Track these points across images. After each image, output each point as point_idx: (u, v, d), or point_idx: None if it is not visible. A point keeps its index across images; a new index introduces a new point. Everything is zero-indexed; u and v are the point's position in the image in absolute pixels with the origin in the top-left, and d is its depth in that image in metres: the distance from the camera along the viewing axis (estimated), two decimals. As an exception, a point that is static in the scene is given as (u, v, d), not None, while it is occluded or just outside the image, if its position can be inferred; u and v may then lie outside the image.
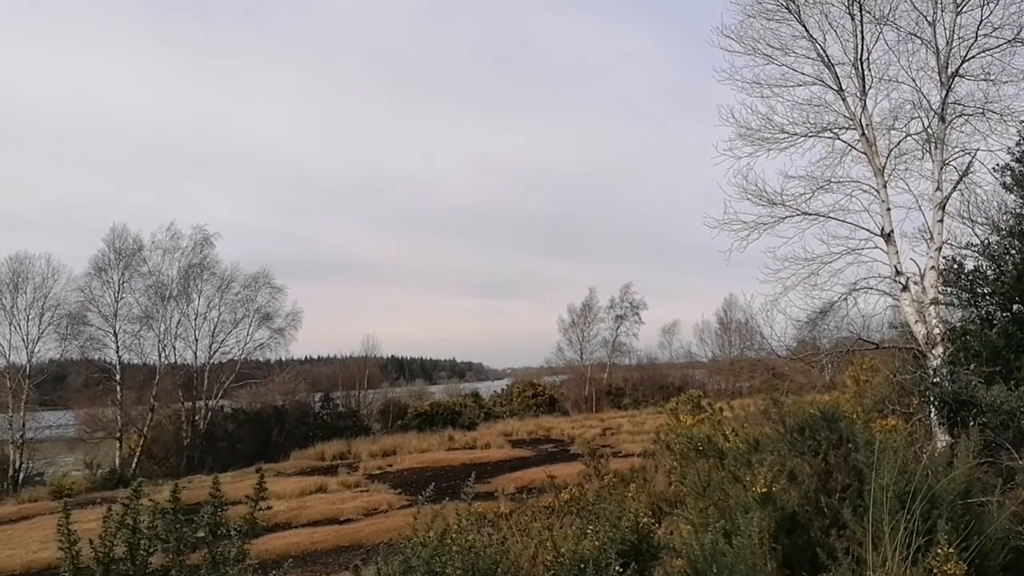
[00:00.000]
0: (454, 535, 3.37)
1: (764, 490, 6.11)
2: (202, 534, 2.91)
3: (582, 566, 3.66)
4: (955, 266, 9.79)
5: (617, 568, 3.56)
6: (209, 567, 2.77)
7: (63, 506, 2.78)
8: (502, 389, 55.03)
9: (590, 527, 4.17)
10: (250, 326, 36.86)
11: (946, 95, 9.74)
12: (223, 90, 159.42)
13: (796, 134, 10.15)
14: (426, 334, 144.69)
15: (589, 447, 17.68)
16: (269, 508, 2.91)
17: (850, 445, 6.79)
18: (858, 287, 9.61)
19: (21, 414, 30.03)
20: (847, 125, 10.13)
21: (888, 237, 9.63)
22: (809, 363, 10.86)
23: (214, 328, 35.64)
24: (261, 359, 40.14)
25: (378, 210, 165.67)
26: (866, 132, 9.98)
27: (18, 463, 29.28)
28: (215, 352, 35.92)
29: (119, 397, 32.33)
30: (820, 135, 10.18)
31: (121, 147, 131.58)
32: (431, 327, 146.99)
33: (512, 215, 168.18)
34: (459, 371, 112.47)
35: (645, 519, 4.20)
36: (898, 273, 9.55)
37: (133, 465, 29.15)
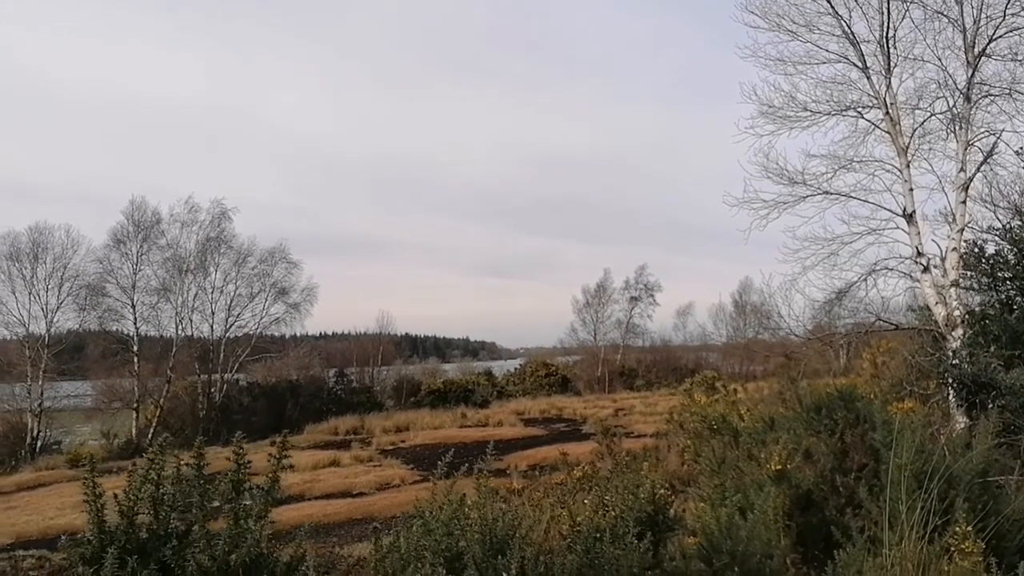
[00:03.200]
0: (471, 504, 3.39)
1: (779, 467, 6.11)
2: (217, 503, 2.94)
3: (598, 535, 3.66)
4: (976, 250, 9.68)
5: (632, 538, 3.56)
6: (232, 523, 2.80)
7: (88, 463, 2.81)
8: (515, 368, 55.14)
9: (607, 496, 4.18)
10: (266, 300, 37.02)
11: (972, 74, 9.59)
12: (244, 69, 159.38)
13: (819, 112, 10.04)
14: (440, 313, 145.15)
15: (602, 426, 17.69)
16: (291, 467, 2.93)
17: (867, 425, 6.77)
18: (878, 268, 9.53)
19: (39, 383, 30.38)
20: (871, 104, 10.00)
21: (910, 218, 9.53)
22: (827, 343, 10.81)
23: (230, 302, 35.85)
24: (276, 334, 40.40)
25: (393, 189, 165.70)
26: (890, 111, 9.85)
27: (36, 431, 29.63)
28: (231, 326, 36.17)
29: (136, 368, 32.63)
30: (843, 113, 10.07)
31: (139, 124, 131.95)
32: (445, 306, 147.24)
33: (527, 196, 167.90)
34: (472, 350, 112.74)
35: (662, 491, 4.20)
36: (919, 254, 9.46)
37: (149, 436, 29.43)
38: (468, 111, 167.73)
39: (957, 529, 4.56)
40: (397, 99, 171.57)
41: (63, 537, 2.84)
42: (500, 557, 3.18)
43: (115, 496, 2.83)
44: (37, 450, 29.05)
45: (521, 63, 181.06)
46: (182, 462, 2.85)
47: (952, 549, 4.52)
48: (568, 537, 3.90)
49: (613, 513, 3.85)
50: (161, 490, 2.82)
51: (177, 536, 2.80)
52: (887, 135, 9.93)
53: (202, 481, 2.81)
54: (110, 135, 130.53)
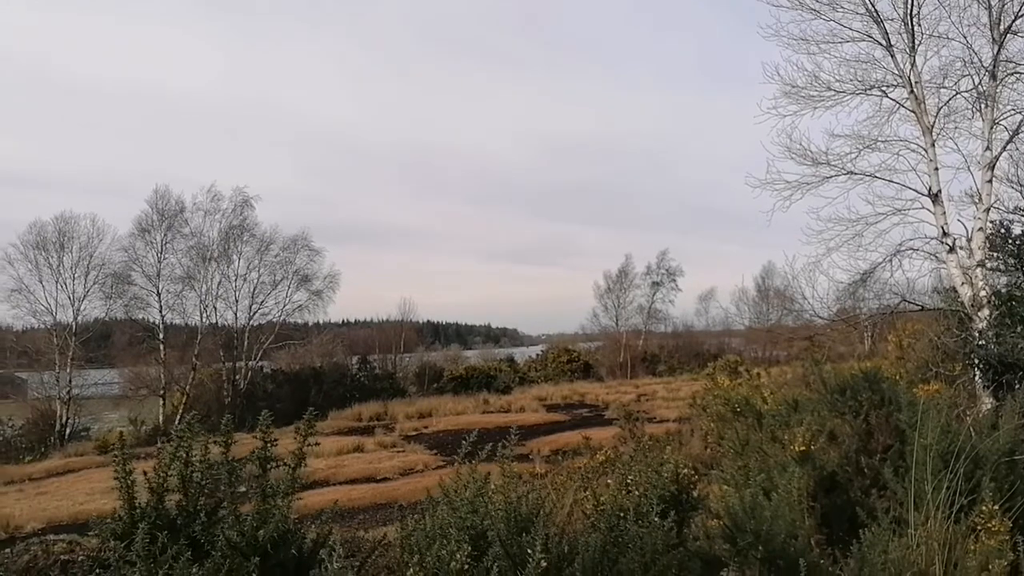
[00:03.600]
0: (495, 488, 3.41)
1: (803, 448, 6.08)
2: (244, 489, 2.98)
3: (622, 514, 3.67)
4: (1002, 230, 9.54)
5: (655, 517, 3.56)
6: (259, 500, 2.84)
7: (119, 441, 2.86)
8: (537, 354, 55.24)
9: (630, 477, 4.19)
10: (289, 288, 37.29)
11: (998, 52, 9.42)
12: (263, 58, 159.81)
13: (843, 92, 9.92)
14: (461, 300, 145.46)
15: (624, 411, 17.70)
16: (317, 443, 2.97)
17: (892, 406, 6.72)
18: (903, 248, 9.43)
19: (68, 371, 30.89)
20: (895, 82, 9.86)
21: (935, 197, 9.41)
22: (852, 325, 10.70)
23: (254, 289, 36.14)
24: (300, 321, 40.68)
25: (414, 177, 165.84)
26: (915, 90, 9.71)
27: (65, 419, 30.13)
28: (255, 313, 36.47)
29: (162, 356, 33.08)
30: (867, 93, 9.93)
31: (160, 114, 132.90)
32: (466, 293, 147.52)
33: (548, 182, 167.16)
34: (494, 336, 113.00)
35: (685, 470, 4.20)
36: (945, 234, 9.34)
37: (176, 422, 29.84)
38: (486, 97, 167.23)
39: (983, 508, 4.54)
40: (415, 86, 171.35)
41: (95, 517, 2.89)
42: (524, 535, 3.20)
43: (144, 474, 2.88)
44: (66, 437, 29.54)
45: (539, 49, 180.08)
46: (210, 440, 2.89)
47: (978, 528, 4.50)
48: (591, 516, 3.91)
49: (636, 493, 3.86)
50: (190, 468, 2.87)
51: (206, 513, 2.85)
52: (912, 114, 9.79)
53: (230, 458, 2.86)
54: (131, 127, 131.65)
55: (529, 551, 2.91)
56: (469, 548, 3.00)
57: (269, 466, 2.88)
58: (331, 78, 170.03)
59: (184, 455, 2.85)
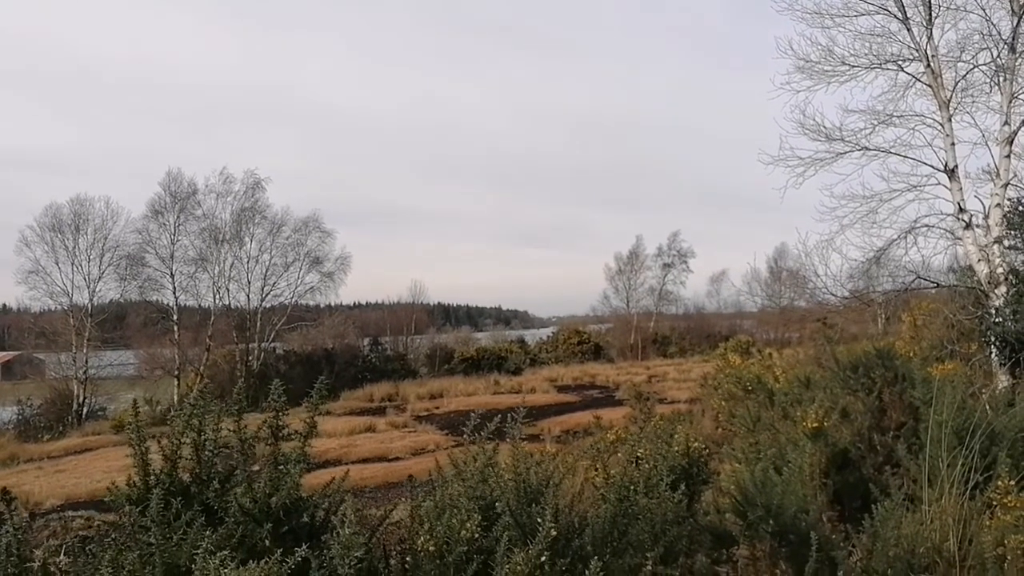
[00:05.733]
0: (505, 465, 3.42)
1: (815, 425, 6.06)
2: (257, 467, 2.99)
3: (632, 487, 3.66)
4: (1020, 207, 9.42)
5: (665, 488, 3.56)
6: (271, 467, 2.85)
7: (134, 408, 2.88)
8: (547, 336, 55.23)
9: (640, 450, 4.18)
10: (300, 270, 37.34)
11: (1017, 24, 9.24)
12: (275, 41, 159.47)
13: (858, 66, 9.77)
14: (472, 282, 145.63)
15: (635, 391, 17.70)
16: (328, 412, 2.97)
17: (906, 383, 6.68)
18: (918, 225, 9.32)
19: (84, 352, 31.18)
20: (912, 56, 9.70)
21: (952, 173, 9.29)
22: (866, 303, 10.62)
23: (266, 271, 36.24)
24: (311, 303, 40.78)
25: (424, 159, 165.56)
26: (931, 63, 9.56)
27: (82, 398, 30.46)
28: (267, 295, 36.59)
29: (176, 337, 33.32)
30: (883, 67, 9.78)
31: (171, 98, 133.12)
32: (477, 275, 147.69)
33: (558, 163, 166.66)
34: (504, 318, 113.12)
35: (696, 443, 4.19)
36: (961, 210, 9.23)
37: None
38: (497, 78, 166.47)
39: (1000, 484, 4.51)
40: (424, 68, 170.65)
41: (114, 484, 2.92)
42: (534, 505, 3.20)
43: (158, 442, 2.90)
44: (83, 416, 29.84)
45: (550, 27, 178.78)
46: (223, 411, 2.91)
47: (994, 504, 4.47)
48: (601, 489, 3.91)
49: (647, 466, 3.85)
50: (203, 436, 2.88)
51: (219, 480, 2.87)
52: (928, 88, 9.64)
53: (243, 426, 2.87)
54: (143, 110, 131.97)
55: (539, 520, 2.91)
56: (479, 518, 3.01)
57: (281, 434, 2.89)
58: (341, 61, 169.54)
59: (197, 423, 2.86)
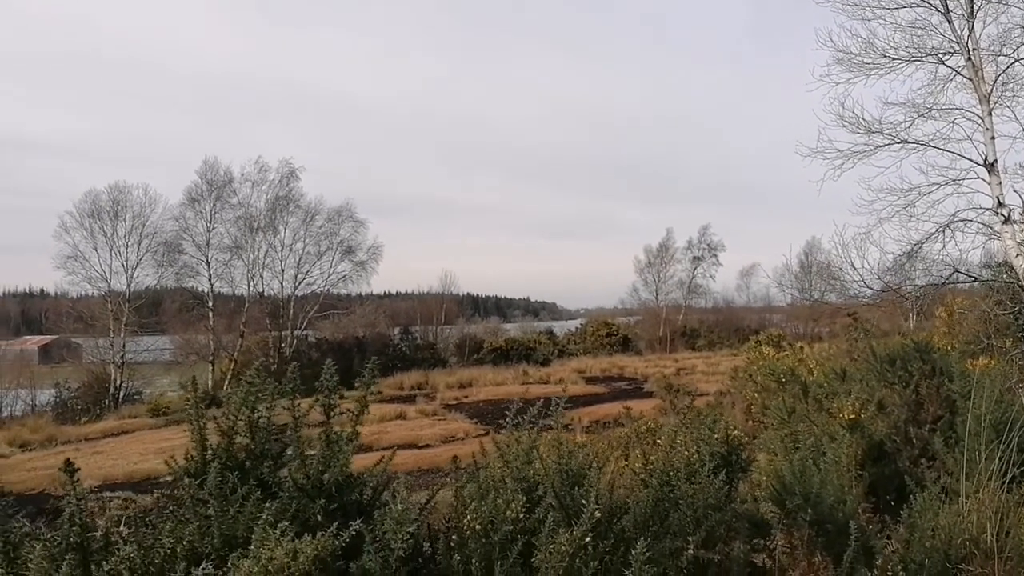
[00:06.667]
0: (546, 448, 3.48)
1: (852, 416, 6.05)
2: (312, 452, 3.09)
3: (671, 473, 3.71)
4: (1060, 204, 9.25)
5: (708, 473, 3.60)
6: (324, 445, 2.94)
7: (191, 384, 2.98)
8: (576, 328, 55.21)
9: (679, 437, 4.22)
10: (333, 258, 37.80)
11: (1061, 19, 9.07)
12: (298, 36, 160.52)
13: (897, 59, 9.62)
14: (501, 273, 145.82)
15: (665, 382, 17.68)
16: (379, 392, 3.06)
17: (943, 376, 6.64)
18: (956, 219, 9.19)
19: (121, 336, 31.81)
20: (952, 49, 9.54)
21: (991, 167, 9.15)
22: (902, 297, 10.51)
23: (299, 260, 36.73)
24: (343, 292, 41.20)
25: (456, 152, 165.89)
26: (972, 57, 9.40)
27: (119, 382, 31.11)
28: (300, 283, 37.08)
29: (211, 324, 33.87)
30: (923, 60, 9.62)
31: (205, 90, 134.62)
32: (506, 266, 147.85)
33: (589, 157, 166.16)
34: (533, 310, 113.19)
35: (735, 431, 4.22)
36: (1000, 205, 9.08)
37: (225, 387, 30.59)
38: (526, 72, 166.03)
39: (1038, 477, 4.49)
40: (455, 62, 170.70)
41: (171, 463, 3.02)
42: (577, 488, 3.27)
43: (215, 419, 3.00)
44: (120, 400, 30.49)
45: (577, 22, 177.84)
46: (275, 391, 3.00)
47: (1033, 497, 4.46)
48: (641, 474, 3.96)
49: (686, 452, 3.89)
50: (257, 413, 2.98)
51: (272, 457, 2.97)
52: (968, 82, 9.48)
53: (297, 404, 2.96)
54: (179, 101, 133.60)
55: (584, 502, 2.97)
56: (523, 499, 3.08)
57: (332, 413, 2.98)
58: (372, 56, 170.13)
59: (252, 401, 2.96)
